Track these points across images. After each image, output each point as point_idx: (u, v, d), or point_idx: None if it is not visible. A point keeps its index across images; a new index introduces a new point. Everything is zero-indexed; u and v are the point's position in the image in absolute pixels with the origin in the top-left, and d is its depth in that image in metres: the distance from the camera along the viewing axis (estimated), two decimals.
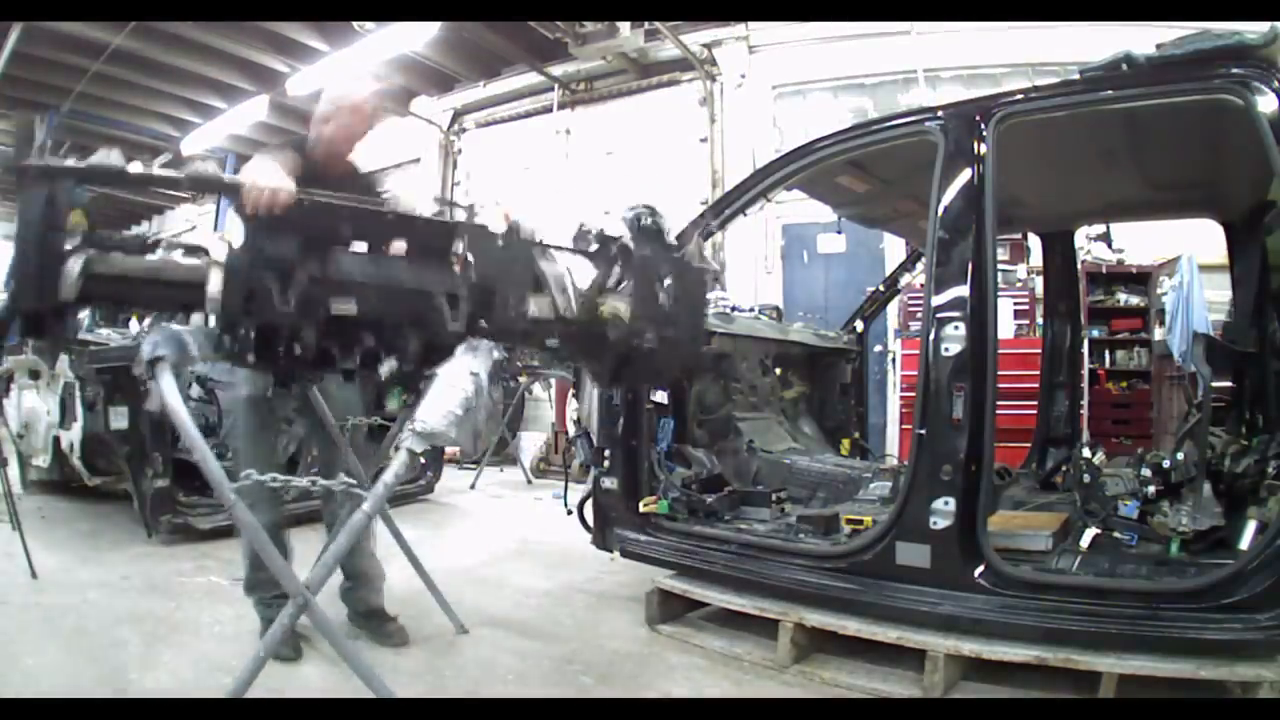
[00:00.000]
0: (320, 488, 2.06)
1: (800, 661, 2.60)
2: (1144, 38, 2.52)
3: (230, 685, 1.73)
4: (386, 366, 1.98)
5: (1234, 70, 2.19)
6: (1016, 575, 2.36)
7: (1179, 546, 2.56)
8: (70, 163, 1.70)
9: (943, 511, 2.41)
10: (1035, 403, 4.29)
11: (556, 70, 9.22)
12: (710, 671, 2.61)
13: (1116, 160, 3.11)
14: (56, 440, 4.29)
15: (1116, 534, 2.74)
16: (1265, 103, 2.13)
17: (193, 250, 1.81)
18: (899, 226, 4.47)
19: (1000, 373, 2.49)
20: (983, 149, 2.51)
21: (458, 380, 1.85)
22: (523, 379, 6.81)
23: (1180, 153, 3.03)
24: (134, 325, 5.34)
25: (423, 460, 5.52)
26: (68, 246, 1.68)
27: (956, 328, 2.45)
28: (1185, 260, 5.73)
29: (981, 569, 2.38)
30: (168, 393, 1.84)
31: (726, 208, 3.15)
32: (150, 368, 1.86)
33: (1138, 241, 6.46)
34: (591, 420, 3.24)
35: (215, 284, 1.73)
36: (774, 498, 3.32)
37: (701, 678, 2.56)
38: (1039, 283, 5.55)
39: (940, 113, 2.67)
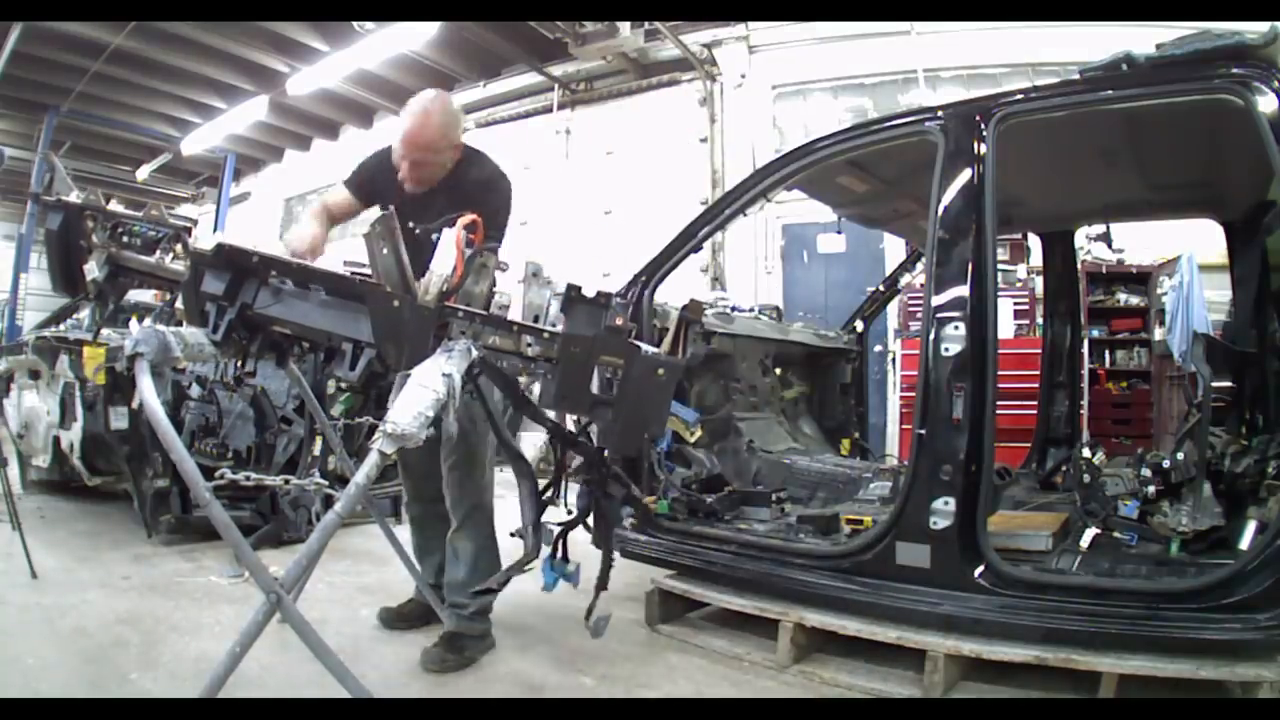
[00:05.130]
0: (294, 487, 2.09)
1: (800, 661, 2.59)
2: (1144, 38, 2.52)
3: (207, 681, 1.73)
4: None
5: (1234, 70, 2.19)
6: (1016, 575, 2.36)
7: (1179, 546, 2.56)
8: (74, 197, 2.41)
9: (943, 511, 2.41)
10: (1035, 403, 4.28)
11: (556, 70, 9.22)
12: (710, 671, 2.61)
13: (1116, 160, 3.10)
14: (56, 440, 4.29)
15: (1116, 534, 2.75)
16: (1265, 103, 2.13)
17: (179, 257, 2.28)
18: (899, 226, 4.47)
19: (1000, 373, 2.49)
20: (983, 149, 2.51)
21: (429, 381, 1.84)
22: (523, 378, 6.79)
23: (1180, 153, 3.03)
24: (134, 325, 5.33)
25: None
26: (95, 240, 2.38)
27: (956, 328, 2.44)
28: (1185, 260, 5.74)
29: (981, 569, 2.38)
30: (144, 388, 1.91)
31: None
32: (130, 363, 1.94)
33: (1138, 241, 6.47)
34: None
35: (180, 300, 2.20)
36: (774, 498, 3.32)
37: (701, 678, 2.56)
38: (1039, 283, 5.55)
39: (940, 113, 2.67)
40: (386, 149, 2.70)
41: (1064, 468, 3.80)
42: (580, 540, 2.33)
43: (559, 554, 2.24)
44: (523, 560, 2.27)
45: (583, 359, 1.85)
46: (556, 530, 2.22)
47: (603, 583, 2.31)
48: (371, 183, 2.74)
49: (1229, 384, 3.36)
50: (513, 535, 2.48)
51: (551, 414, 2.24)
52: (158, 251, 2.72)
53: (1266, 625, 2.00)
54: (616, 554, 3.07)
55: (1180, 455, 2.82)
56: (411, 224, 2.46)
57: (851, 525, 3.04)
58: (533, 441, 7.65)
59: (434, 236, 2.09)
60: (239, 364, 2.30)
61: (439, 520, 2.77)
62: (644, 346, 1.89)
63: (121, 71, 9.72)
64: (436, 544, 2.83)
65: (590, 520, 2.32)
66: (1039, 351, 4.41)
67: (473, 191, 2.56)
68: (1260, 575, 2.03)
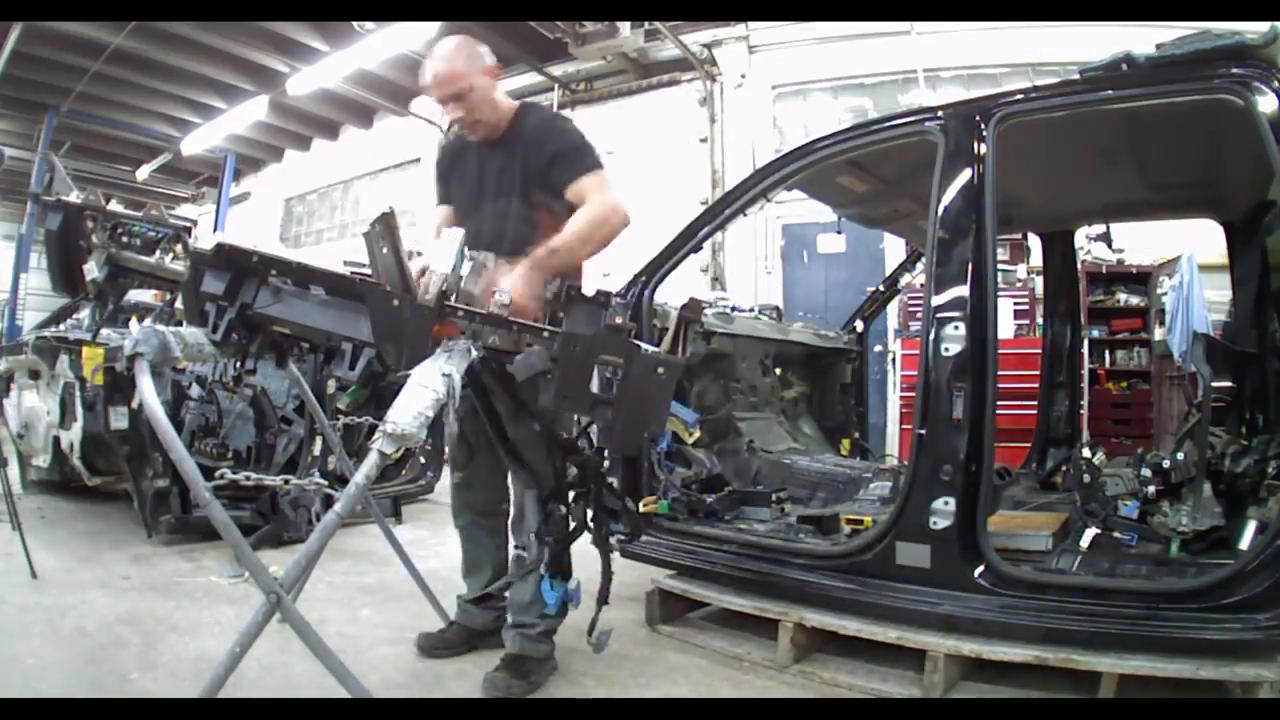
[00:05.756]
0: (294, 487, 2.09)
1: (800, 661, 2.59)
2: (1144, 38, 2.52)
3: (207, 681, 1.73)
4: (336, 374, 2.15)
5: (1234, 70, 2.18)
6: (1016, 575, 2.36)
7: (1179, 546, 2.56)
8: (74, 197, 2.46)
9: (943, 511, 2.41)
10: (1035, 403, 4.29)
11: (556, 70, 9.23)
12: (710, 672, 2.61)
13: (1116, 160, 3.10)
14: (56, 440, 4.29)
15: (1116, 534, 2.75)
16: (1265, 103, 2.13)
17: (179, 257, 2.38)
18: (899, 226, 4.47)
19: (1000, 373, 2.49)
20: (983, 149, 2.51)
21: (429, 381, 1.84)
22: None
23: (1180, 153, 3.03)
24: (134, 325, 5.33)
25: (423, 460, 5.52)
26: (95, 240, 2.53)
27: (956, 328, 2.44)
28: (1185, 260, 5.74)
29: (981, 569, 2.38)
30: (144, 388, 1.92)
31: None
32: (129, 363, 1.97)
33: (1138, 241, 6.47)
34: None
35: (180, 300, 2.29)
36: (774, 498, 3.32)
37: (702, 678, 2.55)
38: (1039, 283, 5.56)
39: (940, 113, 2.66)
40: (447, 141, 2.67)
41: (1064, 468, 3.79)
42: (579, 541, 2.33)
43: (559, 571, 2.25)
44: (527, 569, 2.27)
45: (583, 358, 1.85)
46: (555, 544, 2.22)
47: (604, 597, 2.31)
48: (450, 176, 2.68)
49: (1229, 384, 3.36)
50: (517, 548, 2.49)
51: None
52: (158, 251, 2.73)
53: (1266, 625, 2.00)
54: (616, 554, 3.08)
55: (1180, 455, 2.82)
56: (491, 195, 2.42)
57: (851, 525, 3.04)
58: None
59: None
60: (239, 364, 2.29)
61: (488, 534, 2.70)
62: (644, 345, 1.89)
63: (121, 71, 9.72)
64: (487, 558, 2.71)
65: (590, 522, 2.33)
66: (1039, 351, 4.41)
67: (539, 136, 2.54)
68: (1260, 575, 2.03)
